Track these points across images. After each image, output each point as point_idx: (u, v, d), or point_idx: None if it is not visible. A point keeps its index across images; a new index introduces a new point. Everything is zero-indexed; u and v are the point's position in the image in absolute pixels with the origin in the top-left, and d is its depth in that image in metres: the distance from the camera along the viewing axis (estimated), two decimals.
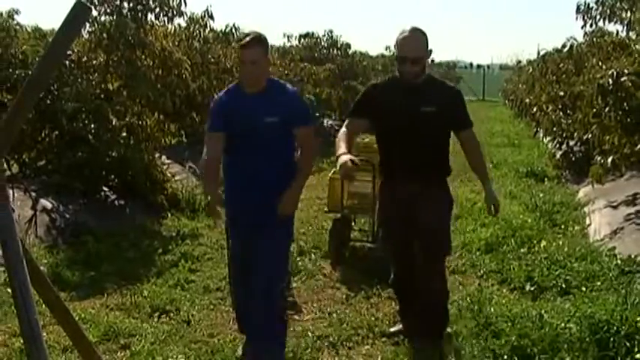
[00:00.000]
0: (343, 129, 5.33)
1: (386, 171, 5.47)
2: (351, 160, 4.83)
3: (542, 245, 7.68)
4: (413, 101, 5.11)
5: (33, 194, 8.69)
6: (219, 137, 4.91)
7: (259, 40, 4.86)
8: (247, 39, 4.85)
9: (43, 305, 3.85)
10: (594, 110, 9.35)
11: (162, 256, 7.68)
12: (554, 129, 13.78)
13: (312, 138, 5.11)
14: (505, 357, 4.93)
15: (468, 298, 5.95)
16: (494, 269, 7.08)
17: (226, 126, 4.89)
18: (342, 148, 5.06)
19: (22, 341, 5.19)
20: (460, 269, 7.11)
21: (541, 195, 10.77)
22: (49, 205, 8.70)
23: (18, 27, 10.01)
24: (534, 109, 16.93)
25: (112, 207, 9.37)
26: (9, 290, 6.11)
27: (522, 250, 7.58)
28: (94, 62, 10.26)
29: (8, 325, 5.73)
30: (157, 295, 6.34)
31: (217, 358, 5.03)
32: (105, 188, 9.72)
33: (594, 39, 12.38)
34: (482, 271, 7.04)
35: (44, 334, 3.18)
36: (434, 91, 5.20)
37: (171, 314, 6.05)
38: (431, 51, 5.22)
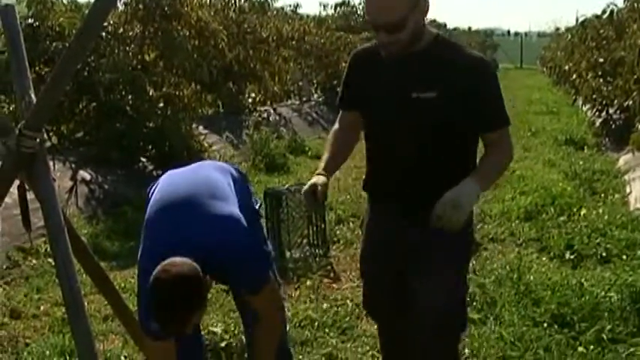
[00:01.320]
0: (335, 126, 3.61)
1: (371, 190, 3.57)
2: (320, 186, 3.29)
3: (582, 213, 7.60)
4: (400, 82, 3.20)
5: (72, 165, 8.77)
6: (170, 350, 3.32)
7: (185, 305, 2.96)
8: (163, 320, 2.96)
9: (84, 275, 3.90)
10: (635, 76, 9.20)
11: None
12: (594, 96, 13.59)
13: (272, 303, 3.50)
14: (545, 325, 4.90)
15: (507, 266, 5.91)
16: (533, 237, 7.02)
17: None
18: (321, 163, 3.47)
19: (64, 310, 5.28)
20: (499, 237, 7.06)
21: (580, 163, 10.64)
22: (87, 177, 8.78)
23: (54, 0, 10.03)
24: (573, 76, 16.69)
25: (151, 177, 9.37)
26: (50, 260, 6.24)
27: (562, 218, 7.51)
28: (131, 33, 10.28)
29: (50, 295, 5.82)
30: None
31: None
32: (143, 159, 9.79)
33: (635, 4, 12.15)
34: (521, 240, 6.98)
35: (85, 303, 3.21)
36: (439, 65, 3.15)
37: None
38: (427, 4, 3.11)
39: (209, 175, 3.55)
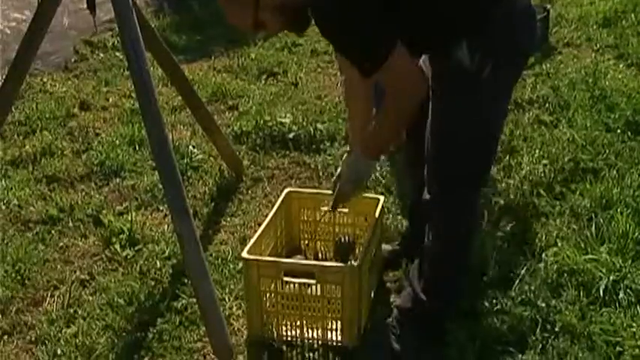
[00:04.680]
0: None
1: None
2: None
3: None
4: None
5: None
6: None
7: None
8: None
9: (153, 67, 3.87)
10: None
11: None
12: None
13: None
14: (618, 131, 4.79)
15: (582, 71, 5.74)
16: (611, 44, 6.72)
17: None
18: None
19: (132, 102, 5.33)
20: (575, 42, 6.78)
21: None
22: None
23: None
24: None
25: None
26: (118, 54, 6.25)
27: None
28: None
29: (118, 87, 5.86)
30: (265, 58, 6.31)
31: (325, 119, 5.04)
32: None
33: None
34: (598, 45, 6.69)
35: None
36: None
37: (279, 76, 6.03)
38: None
39: None
